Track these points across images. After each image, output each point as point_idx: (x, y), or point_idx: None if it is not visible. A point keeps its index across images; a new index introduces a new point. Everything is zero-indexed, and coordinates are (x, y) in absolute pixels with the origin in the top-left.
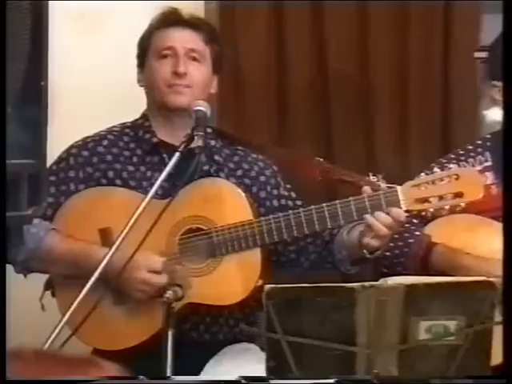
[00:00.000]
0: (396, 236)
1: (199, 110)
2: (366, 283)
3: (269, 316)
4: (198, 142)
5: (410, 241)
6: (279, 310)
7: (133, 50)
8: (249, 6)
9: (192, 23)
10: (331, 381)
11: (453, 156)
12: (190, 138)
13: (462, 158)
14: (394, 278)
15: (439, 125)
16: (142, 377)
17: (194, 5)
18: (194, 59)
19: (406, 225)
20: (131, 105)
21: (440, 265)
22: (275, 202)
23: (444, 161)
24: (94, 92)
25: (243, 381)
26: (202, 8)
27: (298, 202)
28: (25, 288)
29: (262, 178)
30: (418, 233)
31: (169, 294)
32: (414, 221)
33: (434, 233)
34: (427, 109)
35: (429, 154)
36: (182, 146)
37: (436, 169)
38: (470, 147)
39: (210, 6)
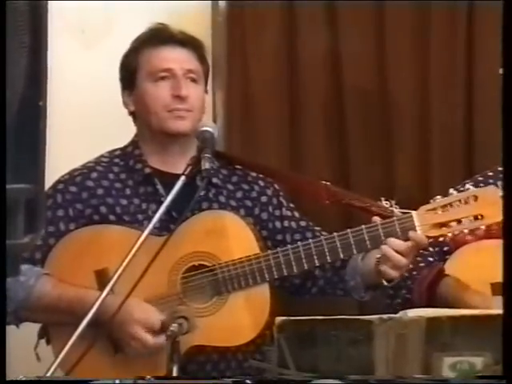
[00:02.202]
0: None
1: (206, 130)
2: (385, 315)
3: (280, 350)
4: (204, 165)
5: (421, 265)
6: (291, 344)
7: None
8: (258, 6)
9: (185, 41)
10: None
11: (479, 178)
12: (197, 161)
13: (487, 180)
14: (415, 310)
15: (463, 144)
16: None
17: (199, 5)
18: (192, 80)
19: (421, 250)
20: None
21: (445, 297)
22: (278, 224)
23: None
24: (95, 108)
25: (248, 381)
26: (208, 9)
27: (302, 223)
28: (17, 336)
29: (264, 199)
30: (430, 258)
31: (173, 327)
32: (430, 248)
33: (462, 260)
34: (450, 126)
35: (451, 175)
36: (188, 170)
37: (452, 190)
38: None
39: (217, 6)
